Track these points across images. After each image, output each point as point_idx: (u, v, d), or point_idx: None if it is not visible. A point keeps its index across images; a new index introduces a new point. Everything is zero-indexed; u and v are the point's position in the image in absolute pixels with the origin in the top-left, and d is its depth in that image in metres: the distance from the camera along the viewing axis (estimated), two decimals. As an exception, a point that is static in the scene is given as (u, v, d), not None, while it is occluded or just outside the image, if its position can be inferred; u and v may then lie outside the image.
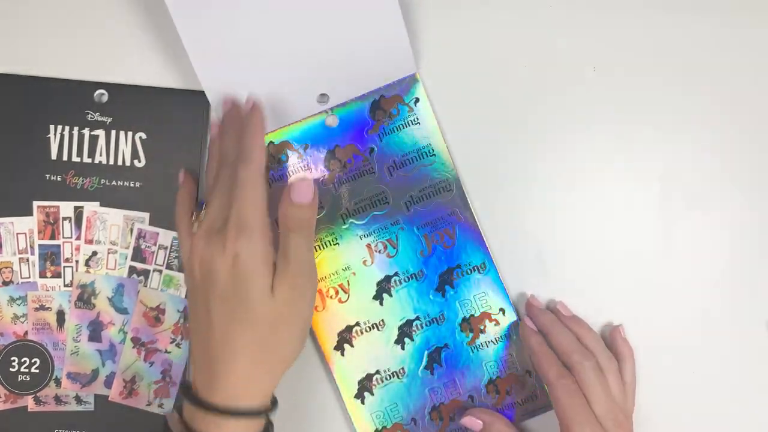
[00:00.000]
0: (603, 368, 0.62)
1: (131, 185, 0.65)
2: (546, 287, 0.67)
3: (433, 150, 0.65)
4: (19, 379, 0.64)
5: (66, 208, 0.65)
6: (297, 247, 0.58)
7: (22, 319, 0.65)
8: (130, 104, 0.65)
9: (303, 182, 0.58)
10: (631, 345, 0.65)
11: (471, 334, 0.65)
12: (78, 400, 0.65)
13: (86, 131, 0.65)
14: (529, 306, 0.66)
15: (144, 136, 0.65)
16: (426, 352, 0.65)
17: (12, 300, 0.65)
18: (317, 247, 0.65)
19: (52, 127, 0.65)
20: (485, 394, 0.66)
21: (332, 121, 0.65)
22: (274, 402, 0.59)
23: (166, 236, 0.65)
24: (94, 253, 0.65)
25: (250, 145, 0.58)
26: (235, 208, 0.56)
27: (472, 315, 0.65)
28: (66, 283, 0.65)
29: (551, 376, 0.60)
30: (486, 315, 0.66)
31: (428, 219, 0.65)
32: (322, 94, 0.64)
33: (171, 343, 0.65)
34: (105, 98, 0.65)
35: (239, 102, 0.62)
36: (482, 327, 0.66)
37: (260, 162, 0.57)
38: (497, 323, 0.66)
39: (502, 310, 0.66)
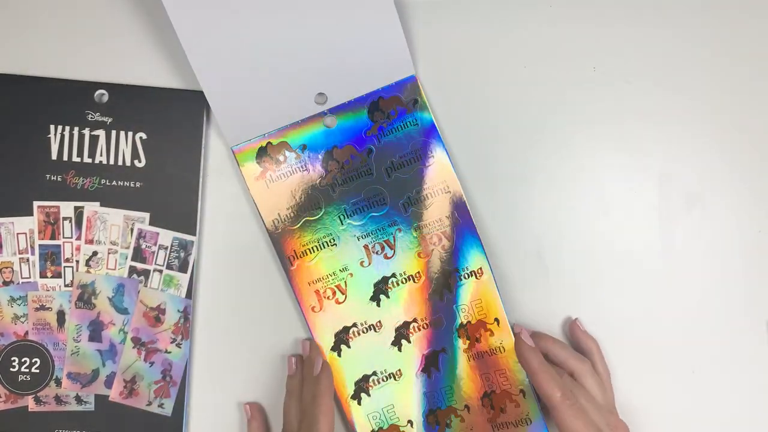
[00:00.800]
0: (577, 374, 0.62)
1: (131, 185, 0.65)
2: (545, 289, 0.67)
3: (431, 151, 0.65)
4: (19, 379, 0.65)
5: (66, 208, 0.65)
6: None
7: (22, 319, 0.65)
8: (130, 104, 0.66)
9: None
10: (593, 336, 0.66)
11: (468, 342, 0.65)
12: (78, 400, 0.65)
13: (86, 131, 0.65)
14: None
15: (144, 136, 0.66)
16: (423, 356, 0.65)
17: (12, 300, 0.65)
18: (315, 248, 0.65)
19: (52, 127, 0.65)
20: (480, 407, 0.65)
21: (330, 122, 0.65)
22: None
23: (166, 236, 0.65)
24: (95, 253, 0.65)
25: (318, 412, 0.61)
26: None
27: (470, 322, 0.65)
28: (66, 283, 0.65)
29: (556, 399, 0.59)
30: (482, 324, 0.65)
31: (426, 221, 0.65)
32: (320, 94, 0.64)
33: (171, 343, 0.65)
34: (105, 98, 0.66)
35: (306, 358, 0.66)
36: (478, 336, 0.65)
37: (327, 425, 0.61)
38: (492, 333, 0.65)
39: (497, 320, 0.65)
